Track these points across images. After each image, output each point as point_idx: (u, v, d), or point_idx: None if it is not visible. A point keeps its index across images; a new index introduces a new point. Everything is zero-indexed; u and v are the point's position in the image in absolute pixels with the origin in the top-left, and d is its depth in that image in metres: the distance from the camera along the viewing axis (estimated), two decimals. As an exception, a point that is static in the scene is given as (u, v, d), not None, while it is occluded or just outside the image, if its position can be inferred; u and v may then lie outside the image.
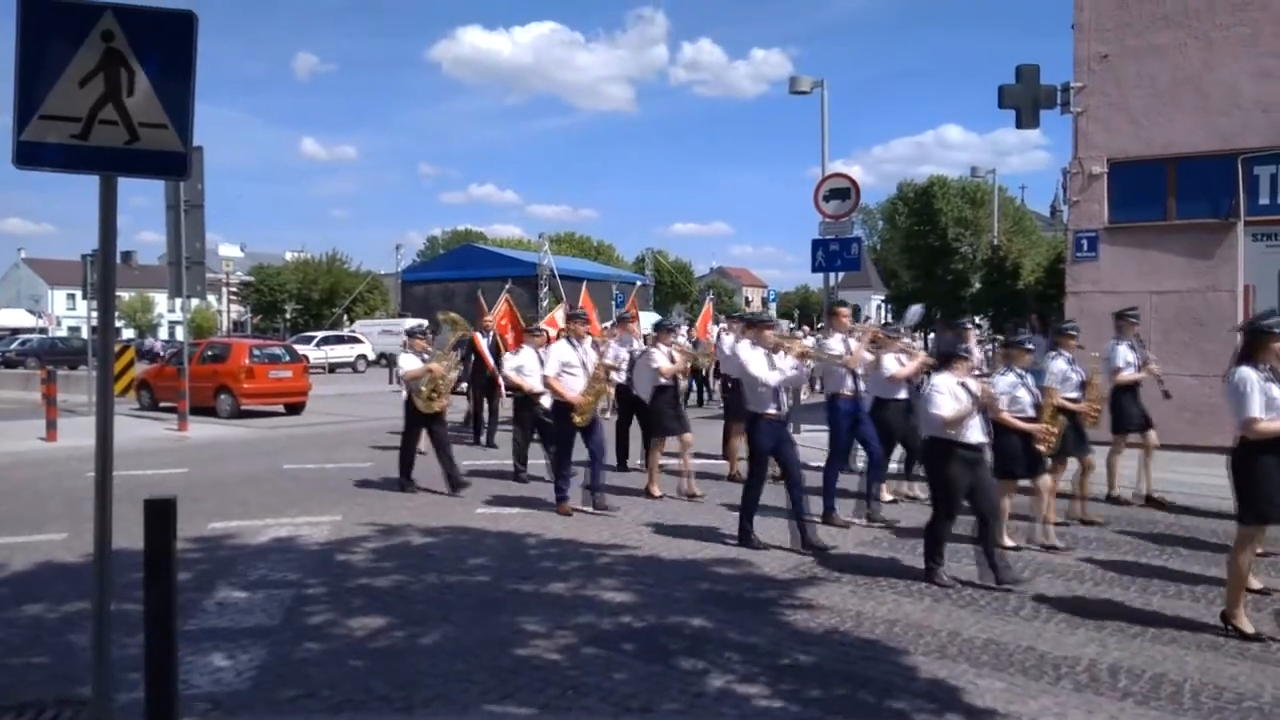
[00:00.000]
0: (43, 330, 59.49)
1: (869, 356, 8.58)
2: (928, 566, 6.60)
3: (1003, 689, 4.65)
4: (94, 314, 20.84)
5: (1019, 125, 13.98)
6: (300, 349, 25.29)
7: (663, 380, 9.94)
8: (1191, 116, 13.05)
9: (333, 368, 36.38)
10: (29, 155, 3.50)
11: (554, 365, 9.03)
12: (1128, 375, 9.02)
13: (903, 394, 9.05)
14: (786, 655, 5.12)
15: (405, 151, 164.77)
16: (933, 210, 55.19)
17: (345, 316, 53.94)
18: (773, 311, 68.80)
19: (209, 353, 19.40)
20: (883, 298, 68.73)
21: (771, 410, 7.37)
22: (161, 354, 37.65)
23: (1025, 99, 13.81)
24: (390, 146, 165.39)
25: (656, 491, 9.75)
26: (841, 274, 16.61)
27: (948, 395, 6.47)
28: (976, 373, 9.09)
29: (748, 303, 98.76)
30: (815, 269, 15.26)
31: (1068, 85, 13.81)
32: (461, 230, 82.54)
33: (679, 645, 5.28)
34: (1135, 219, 13.56)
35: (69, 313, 75.96)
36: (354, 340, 40.11)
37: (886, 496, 9.14)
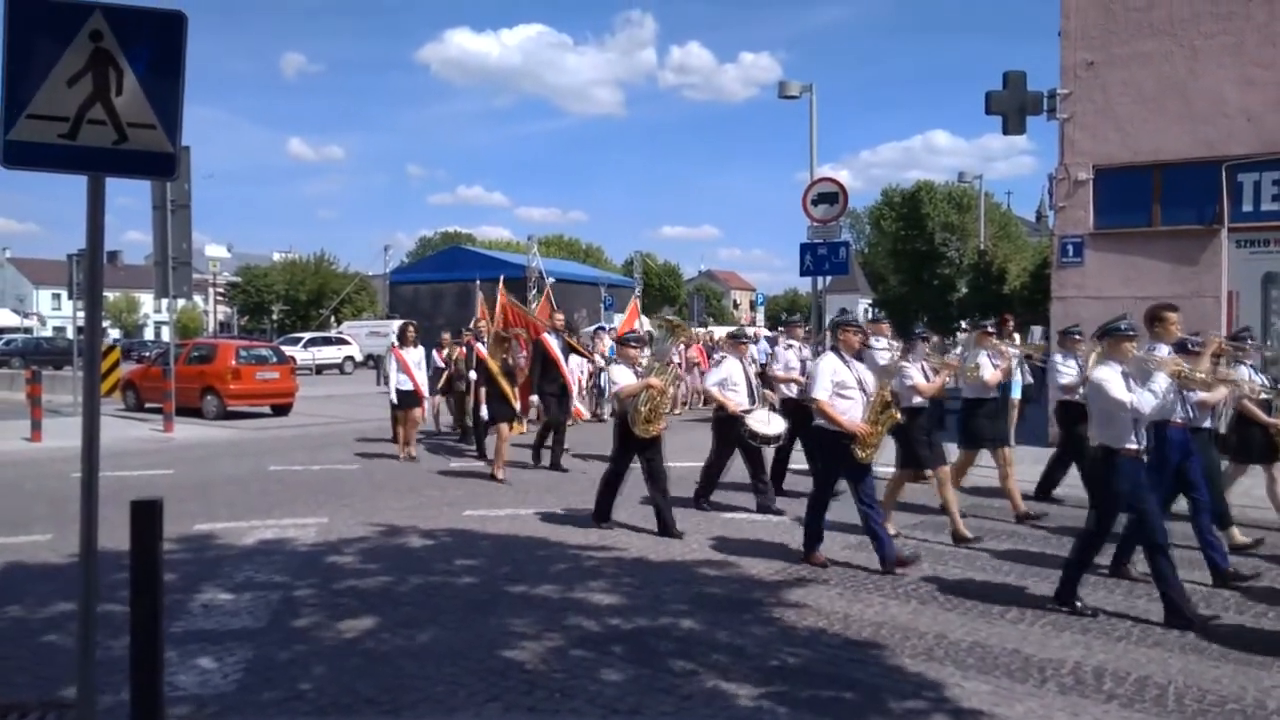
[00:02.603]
0: (28, 330, 59.18)
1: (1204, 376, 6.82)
2: None
3: (989, 691, 4.68)
4: (80, 314, 20.72)
5: (1006, 131, 14.07)
6: (287, 350, 25.21)
7: (917, 400, 8.01)
8: (1177, 124, 13.16)
9: (320, 369, 36.26)
10: (16, 155, 3.49)
11: (825, 385, 7.03)
12: None
13: (1208, 422, 7.33)
14: (774, 657, 5.13)
15: (393, 152, 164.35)
16: (920, 215, 55.49)
17: (332, 318, 53.82)
18: (760, 315, 68.95)
19: (195, 353, 19.31)
20: (870, 301, 68.95)
21: (1132, 444, 5.91)
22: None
23: (1012, 105, 13.91)
24: (378, 147, 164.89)
25: (966, 534, 7.91)
26: (829, 278, 16.65)
27: None
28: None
29: (736, 306, 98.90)
30: (803, 273, 15.30)
31: (1054, 92, 13.90)
32: (451, 232, 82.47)
33: (667, 647, 5.28)
34: (1121, 225, 13.66)
35: (54, 312, 75.51)
36: (341, 341, 40.01)
37: (1241, 539, 7.62)
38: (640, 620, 5.77)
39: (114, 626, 5.03)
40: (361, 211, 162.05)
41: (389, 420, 13.88)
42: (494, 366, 11.28)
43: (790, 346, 10.06)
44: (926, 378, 8.15)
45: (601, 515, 8.38)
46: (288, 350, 25.50)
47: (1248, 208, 12.82)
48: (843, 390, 7.06)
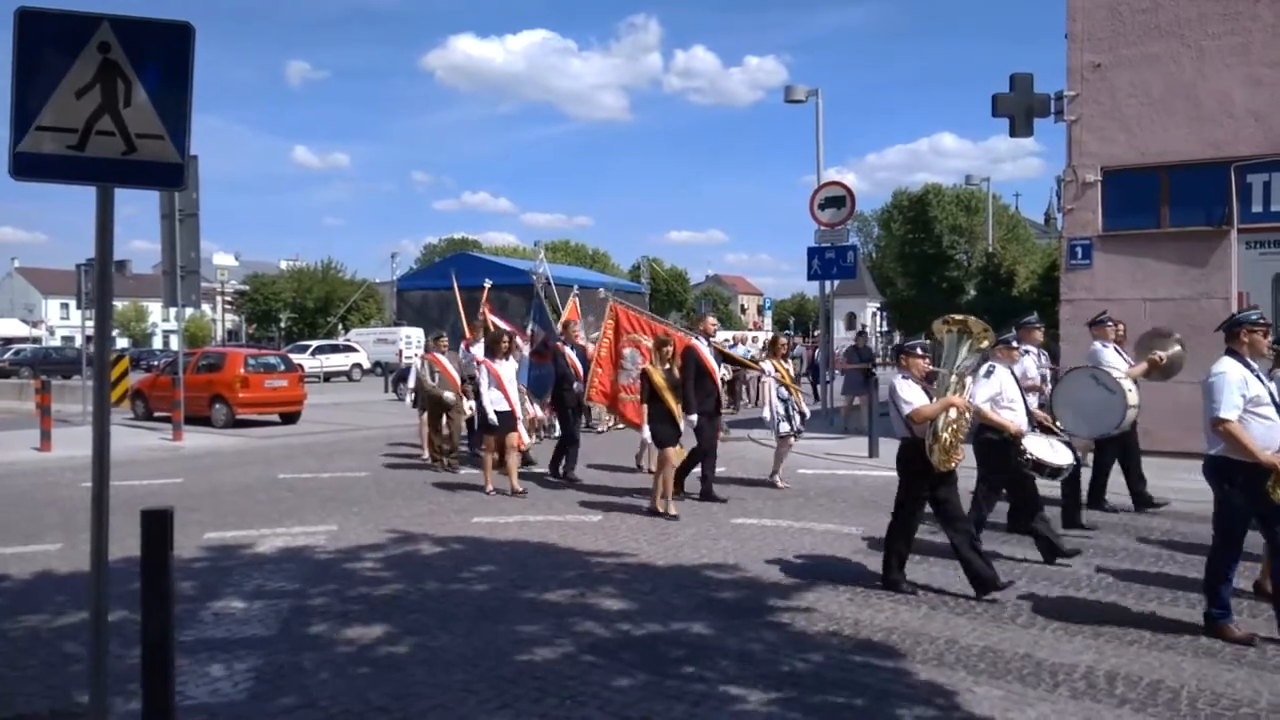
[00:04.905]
0: (36, 340, 59.48)
1: None
2: None
3: (1000, 696, 4.66)
4: (88, 324, 20.82)
5: (1013, 134, 14.04)
6: (295, 358, 25.29)
7: None
8: (1184, 125, 13.12)
9: (328, 377, 36.38)
10: (26, 166, 3.51)
11: (1234, 400, 5.32)
12: None
13: None
14: (785, 662, 5.12)
15: (398, 159, 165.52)
16: (927, 218, 55.56)
17: (340, 325, 53.96)
18: (768, 320, 68.85)
19: (203, 362, 19.38)
20: (878, 305, 68.90)
21: None
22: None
23: (1019, 108, 13.87)
24: (383, 154, 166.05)
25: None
26: (837, 281, 16.67)
27: None
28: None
29: (743, 310, 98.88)
30: (811, 276, 15.35)
31: (1061, 94, 13.87)
32: (458, 238, 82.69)
33: (678, 653, 5.28)
34: (1129, 226, 13.62)
35: (62, 322, 75.90)
36: (349, 349, 40.13)
37: None
38: (651, 626, 5.76)
39: (124, 635, 5.05)
40: (368, 219, 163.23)
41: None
42: (659, 379, 9.36)
43: (1027, 353, 8.61)
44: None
45: (893, 585, 6.55)
46: (296, 358, 25.59)
47: (1257, 208, 12.77)
48: (1257, 408, 5.33)
